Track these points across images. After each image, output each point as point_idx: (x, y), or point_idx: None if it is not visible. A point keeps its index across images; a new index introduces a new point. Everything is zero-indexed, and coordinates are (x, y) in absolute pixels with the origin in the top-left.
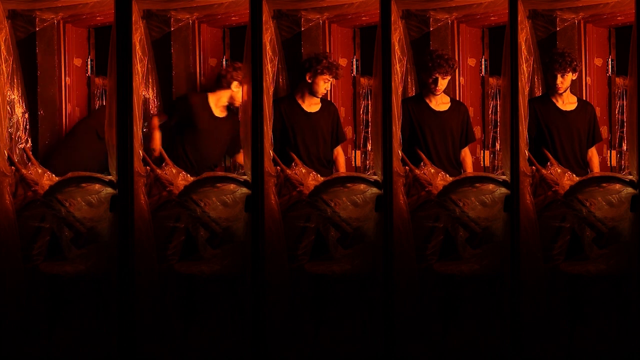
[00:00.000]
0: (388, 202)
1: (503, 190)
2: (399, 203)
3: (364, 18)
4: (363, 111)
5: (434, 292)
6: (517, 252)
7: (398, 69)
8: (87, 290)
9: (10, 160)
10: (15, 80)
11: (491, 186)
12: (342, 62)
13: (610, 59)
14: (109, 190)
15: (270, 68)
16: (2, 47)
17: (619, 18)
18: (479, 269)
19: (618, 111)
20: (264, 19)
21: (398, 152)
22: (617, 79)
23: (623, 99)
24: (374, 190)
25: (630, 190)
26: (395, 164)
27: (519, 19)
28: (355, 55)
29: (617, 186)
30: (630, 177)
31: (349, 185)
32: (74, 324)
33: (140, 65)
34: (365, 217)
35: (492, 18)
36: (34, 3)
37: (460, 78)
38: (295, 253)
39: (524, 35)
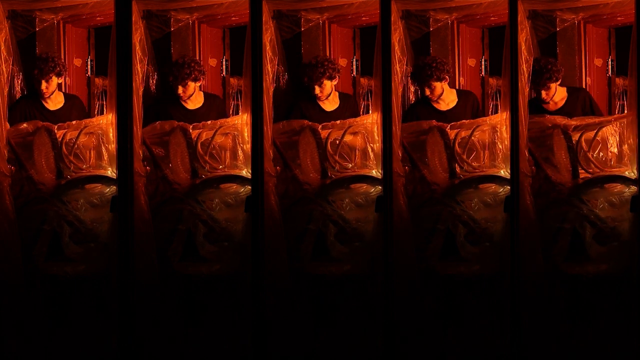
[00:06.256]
0: (388, 202)
1: (508, 189)
2: (399, 203)
3: (364, 18)
4: (363, 111)
5: (435, 292)
6: (517, 252)
7: (398, 69)
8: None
9: None
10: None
11: (494, 186)
12: (342, 62)
13: (610, 59)
14: None
15: (270, 68)
16: (2, 48)
17: (619, 18)
18: (479, 268)
19: (618, 111)
20: (264, 19)
21: (398, 152)
22: (617, 79)
23: (623, 99)
24: (380, 188)
25: (632, 189)
26: (395, 164)
27: (519, 19)
28: (355, 55)
29: (619, 186)
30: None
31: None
32: (74, 324)
33: (140, 66)
34: (365, 219)
35: (492, 18)
36: (34, 3)
37: (460, 78)
38: (297, 253)
39: (524, 36)
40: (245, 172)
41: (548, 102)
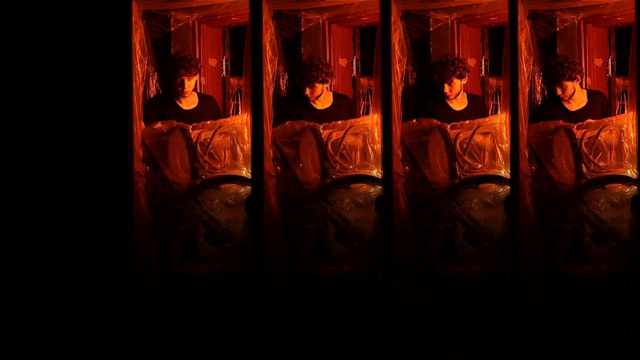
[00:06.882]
0: (388, 202)
1: (508, 189)
2: (399, 203)
3: (364, 18)
4: (363, 111)
5: (435, 292)
6: (517, 252)
7: (398, 69)
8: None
9: None
10: None
11: (494, 186)
12: (342, 62)
13: (610, 59)
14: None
15: (270, 68)
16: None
17: (619, 18)
18: (479, 268)
19: (618, 111)
20: (264, 19)
21: (398, 152)
22: (617, 79)
23: (623, 99)
24: (379, 188)
25: (633, 189)
26: (395, 164)
27: (519, 19)
28: (355, 55)
29: (621, 186)
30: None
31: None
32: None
33: (140, 66)
34: (365, 219)
35: (492, 18)
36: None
37: None
38: (297, 253)
39: (524, 36)
40: (245, 172)
41: (569, 101)
